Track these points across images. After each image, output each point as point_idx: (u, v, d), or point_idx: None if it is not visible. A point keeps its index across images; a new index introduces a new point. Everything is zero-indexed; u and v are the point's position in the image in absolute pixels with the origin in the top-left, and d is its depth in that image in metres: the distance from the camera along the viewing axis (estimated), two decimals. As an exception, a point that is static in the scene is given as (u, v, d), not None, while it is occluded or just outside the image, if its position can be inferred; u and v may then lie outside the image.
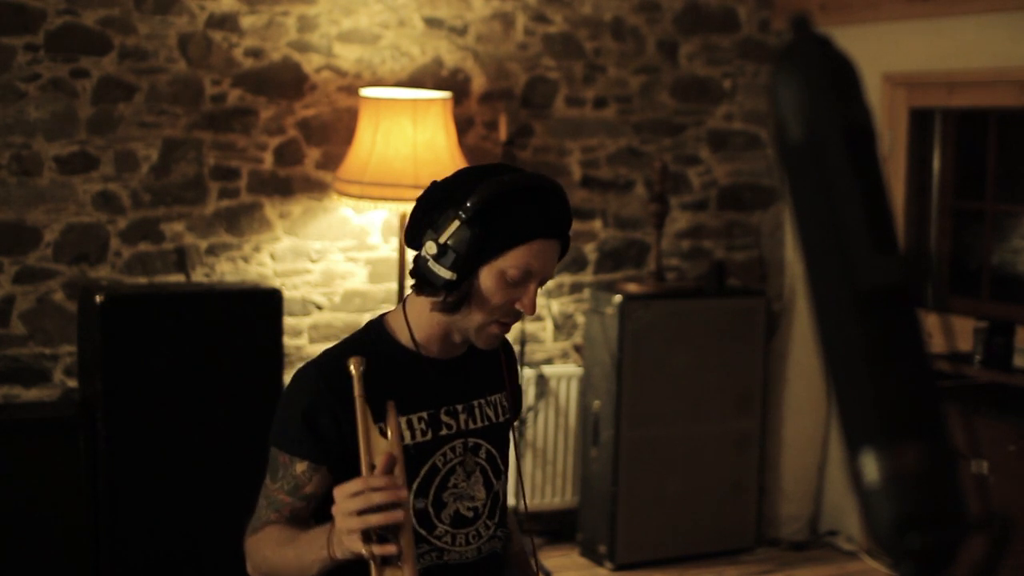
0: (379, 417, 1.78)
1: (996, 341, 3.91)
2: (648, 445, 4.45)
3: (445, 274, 1.87)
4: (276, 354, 3.85)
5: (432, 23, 4.40)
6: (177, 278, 4.12)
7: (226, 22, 4.12)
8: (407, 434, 1.93)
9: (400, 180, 3.82)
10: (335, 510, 1.71)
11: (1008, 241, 4.49)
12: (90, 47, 3.95)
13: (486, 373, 2.08)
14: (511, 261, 1.88)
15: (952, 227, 4.58)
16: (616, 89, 4.72)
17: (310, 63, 4.24)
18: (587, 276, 4.74)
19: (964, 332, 4.10)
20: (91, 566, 3.66)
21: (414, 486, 1.93)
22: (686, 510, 4.53)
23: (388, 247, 4.32)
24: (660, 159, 4.67)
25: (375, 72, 4.32)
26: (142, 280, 4.06)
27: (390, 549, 1.68)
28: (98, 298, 3.65)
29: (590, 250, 4.74)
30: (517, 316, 1.93)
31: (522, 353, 4.51)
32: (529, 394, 4.61)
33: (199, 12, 4.08)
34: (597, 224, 4.74)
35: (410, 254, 2.52)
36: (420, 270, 1.92)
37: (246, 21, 4.15)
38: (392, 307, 2.18)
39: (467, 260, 1.86)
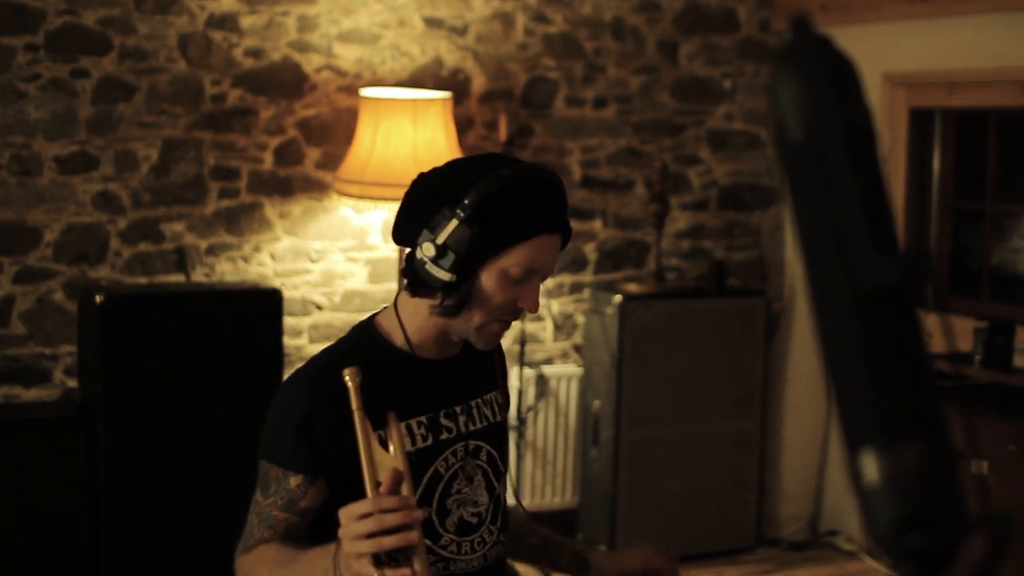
0: (377, 425, 1.71)
1: (996, 341, 3.91)
2: (648, 445, 4.45)
3: (444, 276, 1.79)
4: (276, 354, 3.85)
5: (432, 23, 4.40)
6: (177, 278, 4.12)
7: (226, 22, 4.12)
8: (407, 441, 1.85)
9: (400, 180, 3.82)
10: (342, 533, 1.62)
11: (1008, 241, 4.49)
12: (90, 47, 3.95)
13: (480, 370, 2.01)
14: (513, 259, 1.80)
15: (952, 227, 4.58)
16: (616, 89, 4.72)
17: (310, 63, 4.24)
18: (587, 276, 4.74)
19: (964, 332, 4.09)
20: (91, 566, 3.66)
21: (417, 494, 1.84)
22: (686, 510, 4.53)
23: (388, 247, 4.32)
24: (660, 159, 4.68)
25: (375, 72, 4.32)
26: (142, 280, 4.06)
27: (404, 573, 1.59)
28: (98, 298, 3.65)
29: (590, 250, 4.74)
30: (518, 314, 1.86)
31: (522, 353, 4.51)
32: (529, 394, 4.61)
33: (199, 12, 4.08)
34: (597, 224, 4.74)
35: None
36: (416, 271, 1.83)
37: (246, 21, 4.15)
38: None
39: (467, 261, 1.77)
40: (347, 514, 1.61)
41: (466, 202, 1.76)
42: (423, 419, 1.89)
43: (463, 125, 4.40)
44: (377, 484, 1.64)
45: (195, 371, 3.75)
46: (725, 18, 4.87)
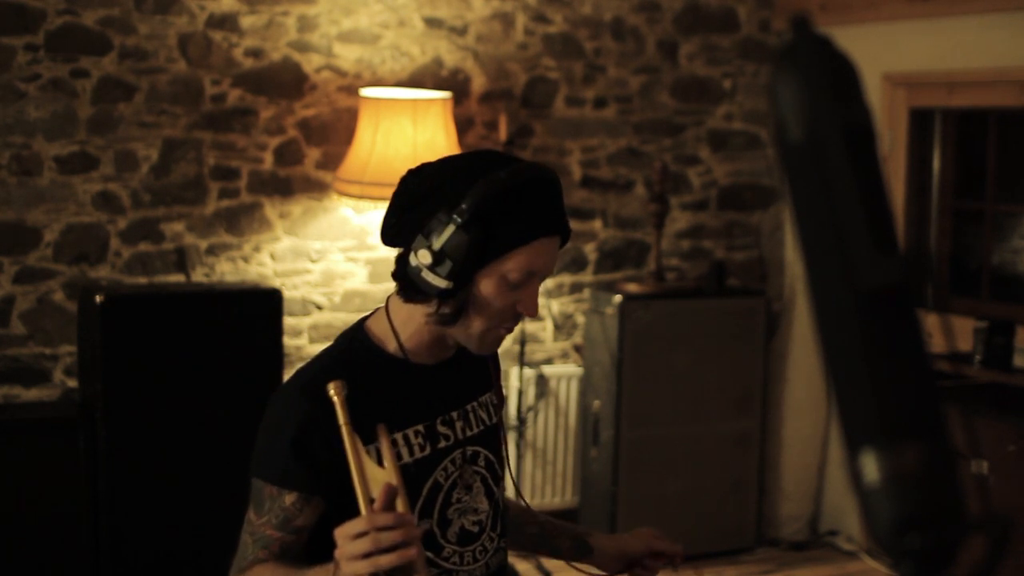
0: (371, 438, 1.67)
1: (996, 341, 3.91)
2: (648, 445, 4.45)
3: (441, 283, 1.71)
4: (276, 354, 3.85)
5: (432, 23, 4.40)
6: (177, 278, 4.12)
7: (226, 22, 4.12)
8: (404, 451, 1.78)
9: (400, 180, 3.82)
10: (339, 554, 1.56)
11: (1008, 241, 4.49)
12: (90, 47, 3.95)
13: (475, 372, 1.94)
14: (513, 264, 1.72)
15: (952, 227, 4.58)
16: (616, 89, 4.72)
17: (310, 63, 4.24)
18: (587, 276, 4.74)
19: (964, 332, 4.09)
20: (91, 566, 3.66)
21: (417, 506, 1.78)
22: (686, 510, 4.53)
23: (388, 247, 4.31)
24: (660, 159, 4.68)
25: (375, 72, 4.32)
26: (142, 280, 4.06)
27: None
28: (98, 298, 3.65)
29: (590, 250, 4.74)
30: (519, 318, 1.79)
31: (522, 353, 4.51)
32: (529, 394, 4.61)
33: (199, 12, 4.08)
34: (597, 224, 4.74)
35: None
36: (410, 278, 1.75)
37: (246, 21, 4.15)
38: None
39: (465, 267, 1.70)
40: (342, 534, 1.56)
41: (463, 206, 1.68)
42: (420, 428, 1.82)
43: (463, 125, 4.40)
44: (371, 501, 1.59)
45: (195, 371, 3.74)
46: (725, 18, 4.87)
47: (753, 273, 5.01)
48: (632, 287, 4.50)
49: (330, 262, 4.31)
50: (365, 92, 4.08)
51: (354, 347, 1.85)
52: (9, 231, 3.90)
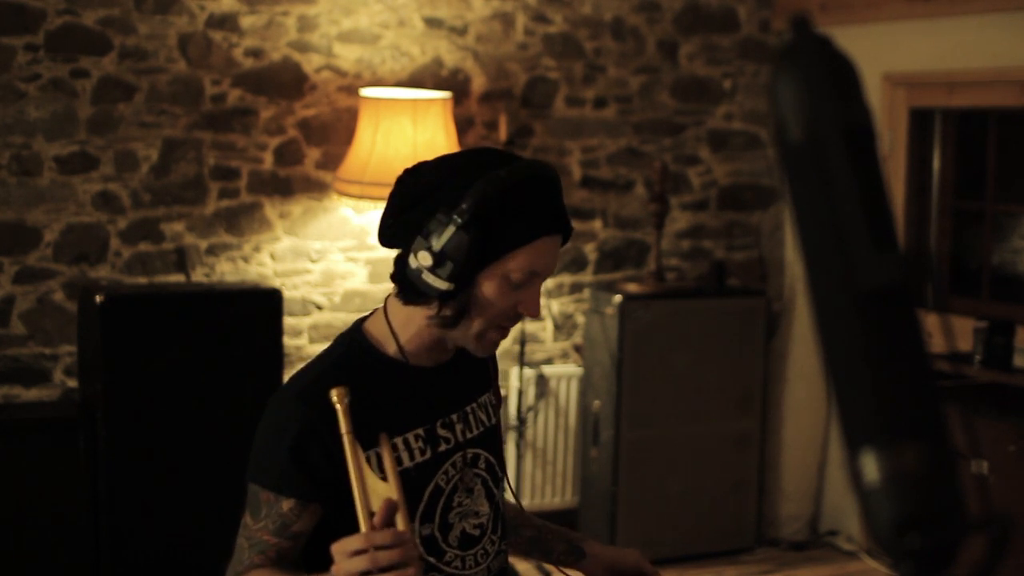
0: (371, 443, 1.65)
1: (996, 341, 3.91)
2: (648, 445, 4.45)
3: (442, 285, 1.69)
4: (276, 354, 3.85)
5: (432, 23, 4.40)
6: (177, 278, 4.12)
7: (226, 22, 4.12)
8: (405, 456, 1.76)
9: (400, 180, 3.82)
10: (335, 570, 1.55)
11: (1008, 241, 4.49)
12: (90, 47, 3.95)
13: (473, 373, 1.91)
14: (514, 264, 1.70)
15: (952, 227, 4.58)
16: (616, 89, 4.72)
17: (310, 63, 4.24)
18: (587, 276, 4.74)
19: (964, 332, 4.10)
20: (91, 566, 3.66)
21: (419, 511, 1.76)
22: (686, 510, 4.53)
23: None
24: (660, 159, 4.68)
25: (375, 72, 4.32)
26: (142, 280, 4.06)
27: None
28: (98, 298, 3.65)
29: (590, 250, 4.74)
30: (518, 319, 1.76)
31: (522, 353, 4.51)
32: (529, 394, 4.61)
33: (199, 12, 4.08)
34: (597, 224, 4.74)
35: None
36: (410, 279, 1.72)
37: (246, 21, 4.15)
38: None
39: (466, 268, 1.67)
40: (340, 550, 1.54)
41: (463, 206, 1.65)
42: (420, 432, 1.79)
43: (463, 125, 4.40)
44: (371, 514, 1.56)
45: (195, 371, 3.74)
46: (725, 18, 4.87)
47: (753, 273, 5.01)
48: (632, 287, 4.50)
49: (330, 262, 4.31)
50: (365, 92, 4.08)
51: (353, 350, 1.82)
52: (9, 231, 3.90)
